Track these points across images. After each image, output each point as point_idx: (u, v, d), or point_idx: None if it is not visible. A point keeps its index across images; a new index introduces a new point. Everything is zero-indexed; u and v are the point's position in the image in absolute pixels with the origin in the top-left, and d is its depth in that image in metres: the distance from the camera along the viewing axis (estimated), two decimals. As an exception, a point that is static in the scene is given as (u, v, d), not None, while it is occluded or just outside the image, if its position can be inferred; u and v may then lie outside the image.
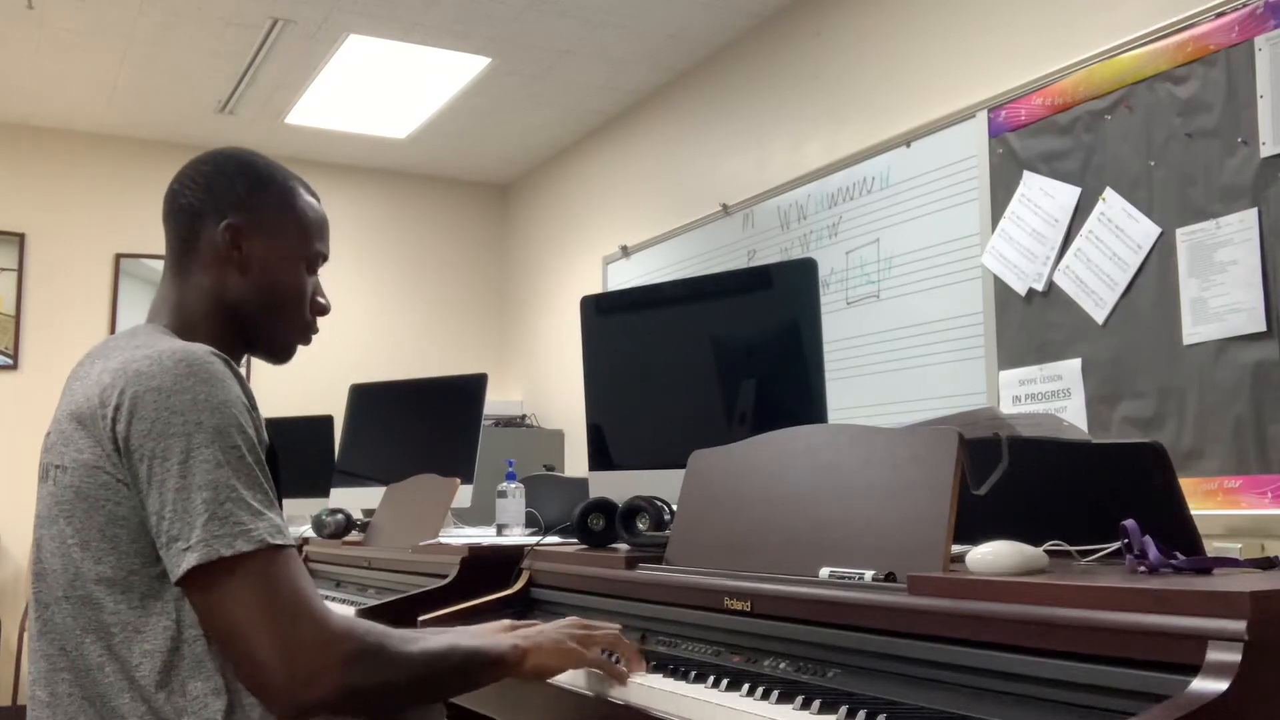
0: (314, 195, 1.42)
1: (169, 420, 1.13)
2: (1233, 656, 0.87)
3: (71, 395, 1.23)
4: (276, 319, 1.36)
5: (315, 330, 1.42)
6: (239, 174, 1.35)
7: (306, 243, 1.38)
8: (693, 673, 1.33)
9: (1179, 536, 1.31)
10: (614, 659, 1.41)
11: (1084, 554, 1.34)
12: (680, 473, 1.67)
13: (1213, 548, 1.42)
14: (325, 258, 1.41)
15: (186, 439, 1.12)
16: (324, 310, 1.42)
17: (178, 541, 1.10)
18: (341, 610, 2.15)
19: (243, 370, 1.23)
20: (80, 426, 1.17)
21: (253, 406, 1.21)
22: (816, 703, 1.13)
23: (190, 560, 1.09)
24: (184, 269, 1.34)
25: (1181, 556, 1.14)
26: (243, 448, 1.15)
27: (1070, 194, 2.97)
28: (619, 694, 1.36)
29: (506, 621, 1.60)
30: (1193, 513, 1.38)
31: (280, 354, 1.40)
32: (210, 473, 1.11)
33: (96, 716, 1.14)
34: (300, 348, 1.43)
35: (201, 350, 1.18)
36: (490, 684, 1.32)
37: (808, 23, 4.13)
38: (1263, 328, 2.49)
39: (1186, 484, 1.53)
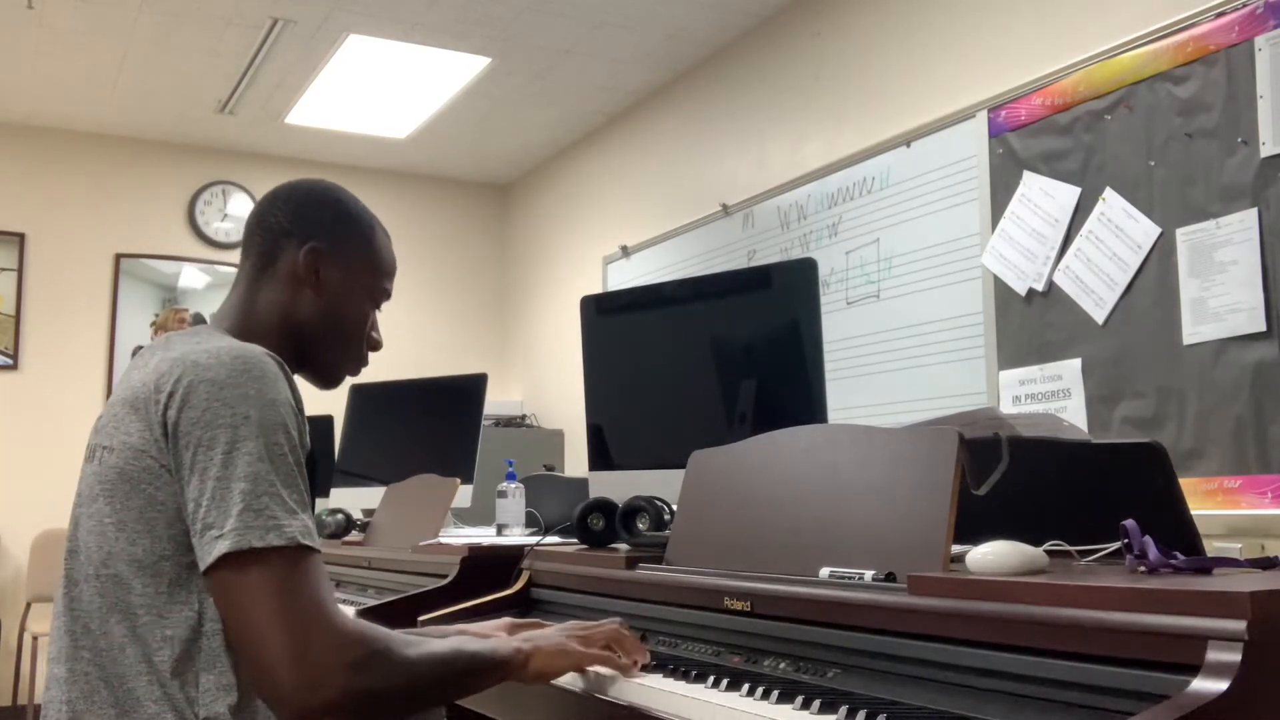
0: (388, 237, 1.51)
1: (219, 411, 1.16)
2: (1233, 656, 0.87)
3: (128, 382, 1.27)
4: (336, 345, 1.42)
5: (365, 363, 1.48)
6: (329, 205, 1.43)
7: (377, 279, 1.45)
8: (693, 673, 1.33)
9: (1179, 536, 1.31)
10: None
11: (1084, 554, 1.34)
12: (680, 473, 1.67)
13: (1213, 548, 1.42)
14: (389, 296, 1.48)
15: (233, 430, 1.15)
16: (377, 346, 1.48)
17: (211, 529, 1.13)
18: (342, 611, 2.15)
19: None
20: (132, 410, 1.21)
21: (300, 411, 1.24)
22: (816, 703, 1.13)
23: (222, 548, 1.11)
24: (258, 283, 1.40)
25: (1181, 556, 1.14)
26: (284, 447, 1.18)
27: (1070, 194, 2.97)
28: (619, 694, 1.36)
29: (507, 620, 1.60)
30: (1193, 513, 1.38)
31: (330, 379, 1.46)
32: (251, 465, 1.14)
33: (111, 696, 1.16)
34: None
35: (259, 351, 1.23)
36: (493, 687, 1.33)
37: (808, 23, 4.13)
38: (1263, 328, 2.49)
39: (1186, 484, 1.53)
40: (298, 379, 1.40)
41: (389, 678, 1.16)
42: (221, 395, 1.17)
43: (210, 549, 1.12)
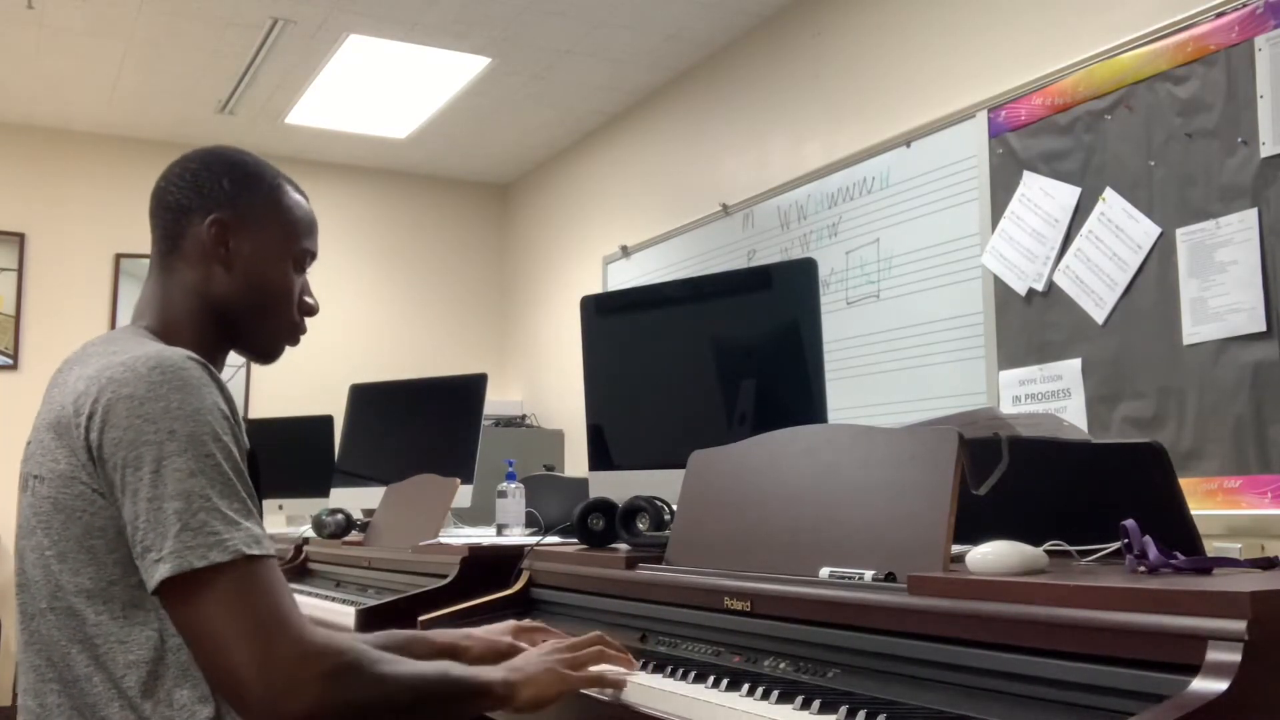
0: (302, 194, 1.40)
1: (141, 428, 1.10)
2: (1233, 656, 0.87)
3: (50, 404, 1.21)
4: (262, 318, 1.34)
5: (303, 330, 1.39)
6: (225, 171, 1.33)
7: (293, 240, 1.35)
8: (693, 673, 1.33)
9: (1179, 536, 1.31)
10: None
11: (1084, 554, 1.34)
12: (680, 473, 1.67)
13: (1213, 548, 1.42)
14: (313, 256, 1.39)
15: (158, 447, 1.10)
16: (311, 311, 1.39)
17: (150, 552, 1.08)
18: (342, 610, 2.15)
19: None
20: (56, 436, 1.16)
21: (232, 413, 1.18)
22: (816, 703, 1.13)
23: (163, 571, 1.07)
24: (169, 267, 1.32)
25: (1181, 556, 1.14)
26: (218, 455, 1.12)
27: (1070, 194, 2.97)
28: (619, 694, 1.36)
29: (511, 623, 1.59)
30: (1193, 513, 1.38)
31: (266, 354, 1.38)
32: (183, 482, 1.09)
33: None
34: (290, 348, 1.40)
35: (178, 356, 1.16)
36: (479, 714, 1.30)
37: (808, 23, 4.13)
38: (1263, 328, 2.49)
39: (1186, 484, 1.53)
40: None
41: (361, 691, 1.12)
42: (142, 411, 1.11)
43: (152, 572, 1.08)
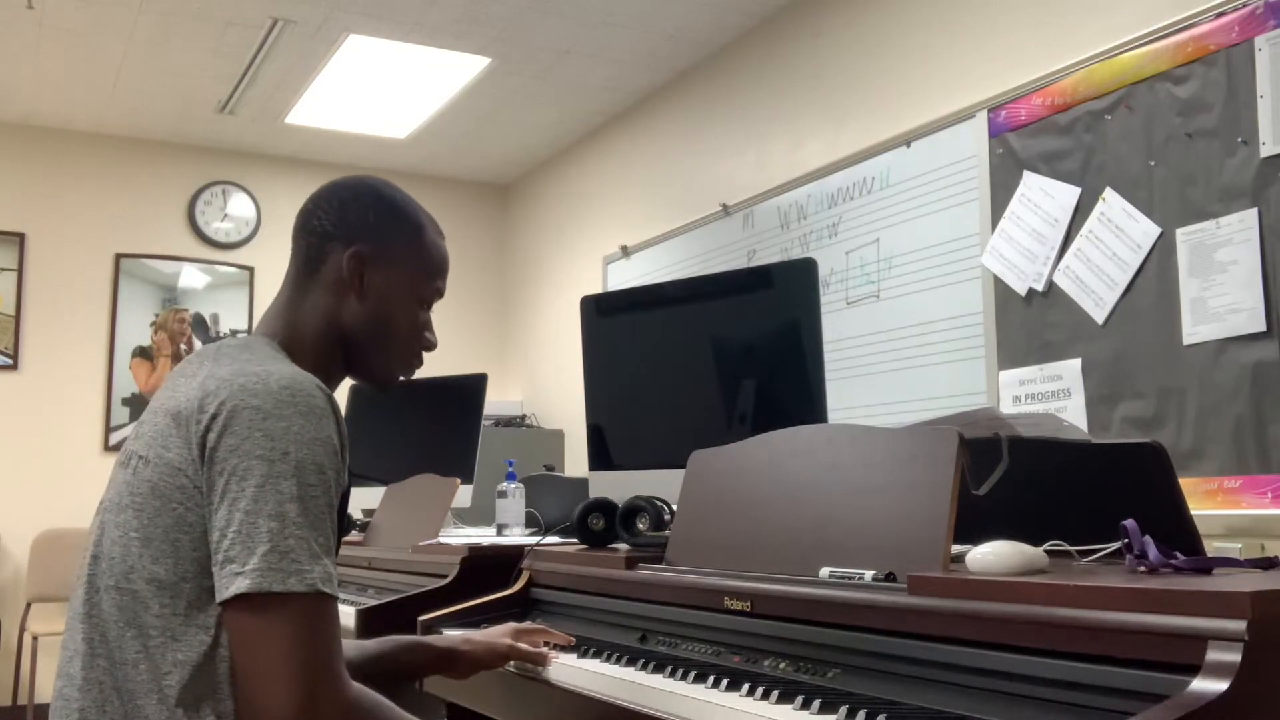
0: (440, 234, 1.45)
1: (258, 441, 1.14)
2: (1233, 656, 0.87)
3: (173, 391, 1.24)
4: (385, 349, 1.38)
5: (419, 364, 1.44)
6: (372, 205, 1.38)
7: (424, 280, 1.41)
8: (693, 673, 1.33)
9: (1179, 536, 1.31)
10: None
11: (1084, 554, 1.34)
12: (680, 473, 1.67)
13: (1213, 548, 1.42)
14: (441, 295, 1.44)
15: (270, 465, 1.13)
16: (430, 347, 1.44)
17: (233, 563, 1.11)
18: (342, 610, 2.15)
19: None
20: (175, 424, 1.18)
21: (343, 449, 1.22)
22: (816, 703, 1.13)
23: (241, 585, 1.10)
24: (304, 287, 1.36)
25: (1181, 556, 1.14)
26: (318, 488, 1.16)
27: (1070, 194, 2.97)
28: (619, 694, 1.36)
29: (511, 625, 1.61)
30: (1193, 513, 1.38)
31: (382, 384, 1.42)
32: (283, 504, 1.12)
33: (122, 710, 1.14)
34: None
35: (309, 383, 1.20)
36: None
37: (808, 23, 4.13)
38: (1263, 328, 2.49)
39: (1186, 484, 1.53)
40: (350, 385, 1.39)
41: None
42: (264, 426, 1.14)
43: (228, 584, 1.11)
